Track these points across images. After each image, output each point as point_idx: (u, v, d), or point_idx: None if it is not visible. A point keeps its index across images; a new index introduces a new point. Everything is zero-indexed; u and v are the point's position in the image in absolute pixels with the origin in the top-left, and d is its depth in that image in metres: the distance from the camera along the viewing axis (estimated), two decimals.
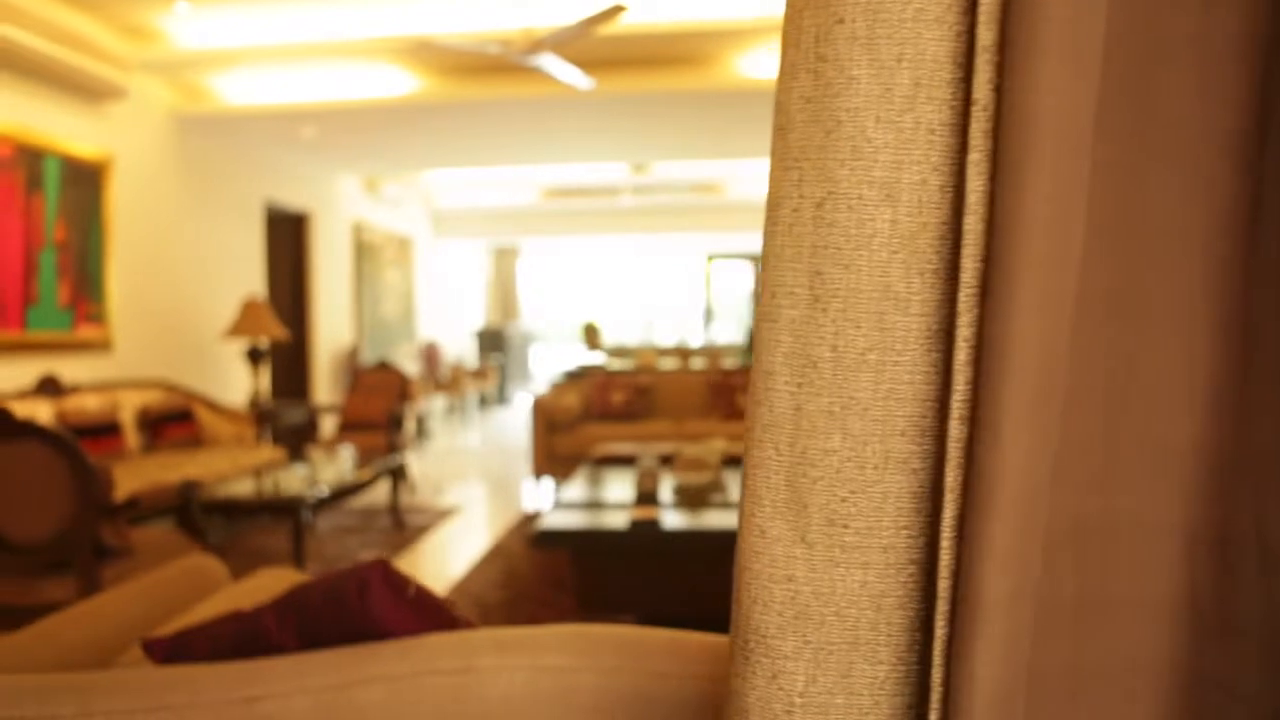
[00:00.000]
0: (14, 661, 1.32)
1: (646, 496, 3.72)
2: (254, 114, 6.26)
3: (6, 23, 4.54)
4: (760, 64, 5.70)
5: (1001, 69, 0.48)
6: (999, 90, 0.48)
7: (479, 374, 11.82)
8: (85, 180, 5.32)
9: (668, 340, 13.48)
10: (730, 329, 14.71)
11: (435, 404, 10.83)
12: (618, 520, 3.42)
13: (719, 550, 3.38)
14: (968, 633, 0.49)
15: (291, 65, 5.76)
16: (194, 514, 3.41)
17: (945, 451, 0.51)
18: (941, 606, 0.51)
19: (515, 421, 11.21)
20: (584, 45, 4.78)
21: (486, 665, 1.01)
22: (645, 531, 3.31)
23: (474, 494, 6.61)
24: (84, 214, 5.33)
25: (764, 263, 0.54)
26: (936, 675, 0.51)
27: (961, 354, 0.50)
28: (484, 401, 12.46)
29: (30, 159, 4.90)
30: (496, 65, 5.63)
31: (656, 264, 15.87)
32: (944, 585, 0.51)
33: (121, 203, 5.69)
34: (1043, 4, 0.46)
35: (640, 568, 3.40)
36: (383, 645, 1.06)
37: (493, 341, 12.91)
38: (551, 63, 4.68)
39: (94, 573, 2.91)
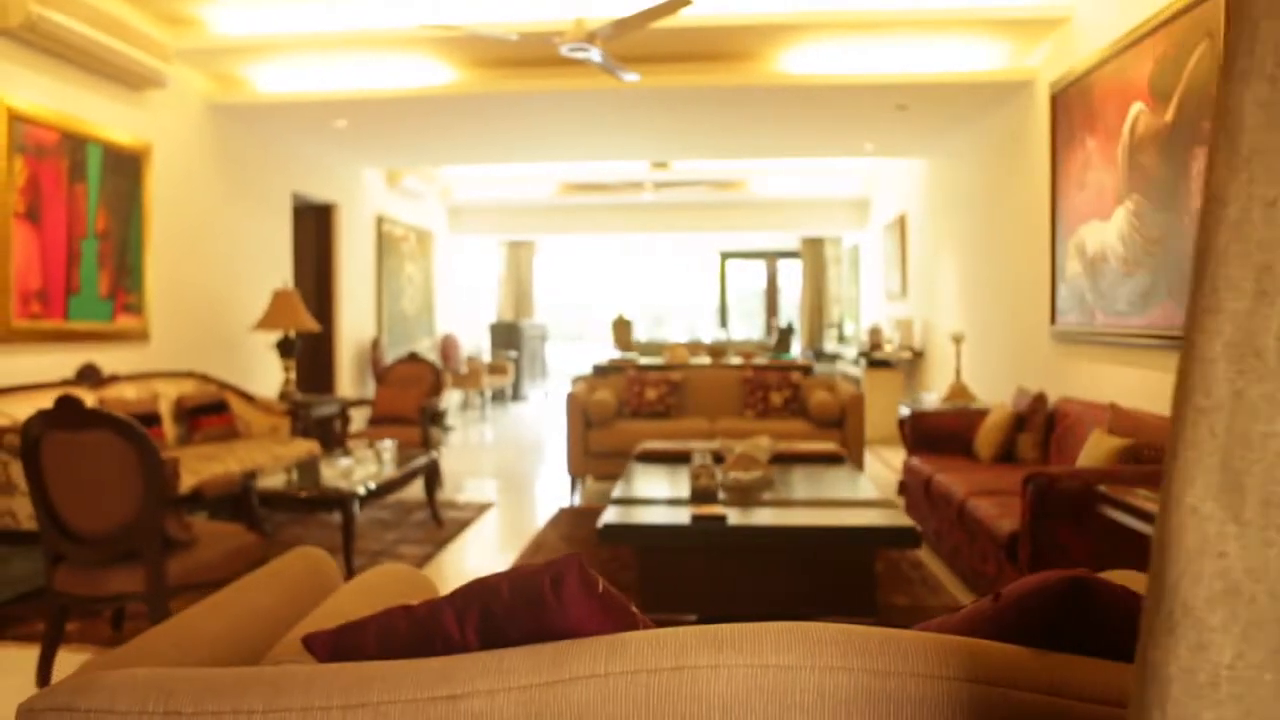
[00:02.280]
0: (168, 655, 1.29)
1: (703, 493, 3.70)
2: (288, 103, 6.23)
3: (51, 8, 4.51)
4: (805, 59, 5.68)
5: None
6: None
7: (497, 368, 11.80)
8: (125, 169, 5.29)
9: (679, 337, 13.50)
10: (744, 327, 14.73)
11: (451, 398, 10.83)
12: (679, 517, 3.40)
13: (782, 548, 3.36)
14: None
15: (327, 55, 5.73)
16: (253, 506, 3.40)
17: None
18: None
19: (531, 417, 11.21)
20: (625, 38, 4.75)
21: (702, 664, 0.98)
22: (710, 528, 3.29)
23: (504, 489, 6.59)
24: (124, 203, 5.29)
25: (1202, 257, 0.58)
26: None
27: None
28: (497, 397, 12.45)
29: (74, 146, 4.87)
30: (533, 58, 5.60)
31: (670, 262, 15.88)
32: None
33: (159, 192, 5.66)
34: None
35: (703, 565, 3.39)
36: (586, 642, 1.03)
37: (507, 337, 12.90)
38: (599, 55, 4.64)
39: (161, 564, 2.89)
